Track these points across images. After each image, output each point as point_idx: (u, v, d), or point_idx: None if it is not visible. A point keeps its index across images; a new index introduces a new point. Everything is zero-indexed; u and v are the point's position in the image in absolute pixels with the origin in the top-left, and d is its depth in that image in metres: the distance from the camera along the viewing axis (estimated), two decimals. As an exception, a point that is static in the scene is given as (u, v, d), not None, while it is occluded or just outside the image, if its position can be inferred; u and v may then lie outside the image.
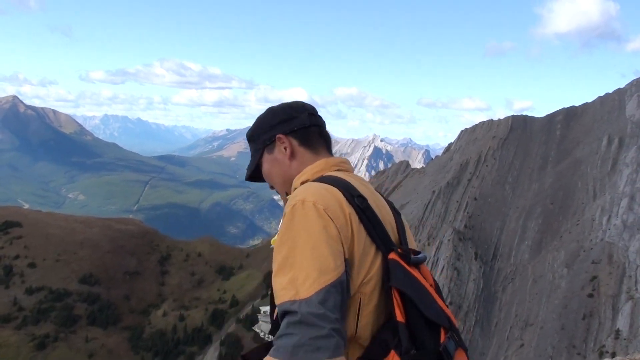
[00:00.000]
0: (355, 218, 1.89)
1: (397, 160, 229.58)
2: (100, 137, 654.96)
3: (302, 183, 2.07)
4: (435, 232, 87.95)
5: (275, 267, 1.82)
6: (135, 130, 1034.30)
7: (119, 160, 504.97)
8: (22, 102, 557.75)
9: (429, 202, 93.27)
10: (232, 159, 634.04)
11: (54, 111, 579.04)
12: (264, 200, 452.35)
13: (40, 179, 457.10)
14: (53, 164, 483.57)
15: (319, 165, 2.12)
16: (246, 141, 2.29)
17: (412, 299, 1.90)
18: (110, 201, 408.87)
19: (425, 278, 2.03)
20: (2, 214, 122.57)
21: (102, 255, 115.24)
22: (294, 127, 2.15)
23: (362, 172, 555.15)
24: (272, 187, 2.27)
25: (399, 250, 1.98)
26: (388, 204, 2.21)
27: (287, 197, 2.08)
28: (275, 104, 2.22)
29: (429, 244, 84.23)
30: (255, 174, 2.33)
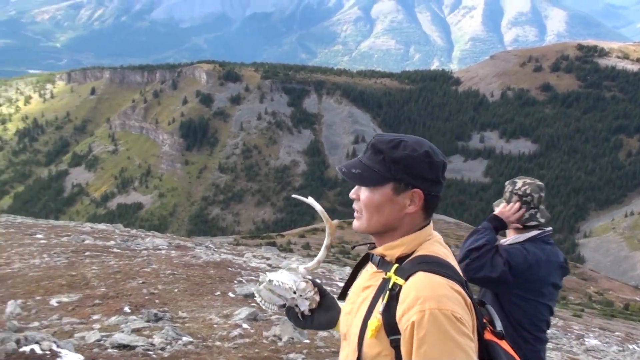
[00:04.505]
0: (472, 311, 1.80)
1: None
2: None
3: (400, 256, 1.87)
4: None
5: None
6: None
7: None
8: None
9: None
10: None
11: None
12: None
13: None
14: None
15: (419, 238, 1.92)
16: None
17: None
18: None
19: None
20: None
21: None
22: (433, 192, 1.88)
23: None
24: (356, 198, 1.94)
25: (490, 327, 1.93)
26: None
27: (381, 250, 1.91)
28: (428, 145, 1.88)
29: None
30: (355, 176, 1.90)
